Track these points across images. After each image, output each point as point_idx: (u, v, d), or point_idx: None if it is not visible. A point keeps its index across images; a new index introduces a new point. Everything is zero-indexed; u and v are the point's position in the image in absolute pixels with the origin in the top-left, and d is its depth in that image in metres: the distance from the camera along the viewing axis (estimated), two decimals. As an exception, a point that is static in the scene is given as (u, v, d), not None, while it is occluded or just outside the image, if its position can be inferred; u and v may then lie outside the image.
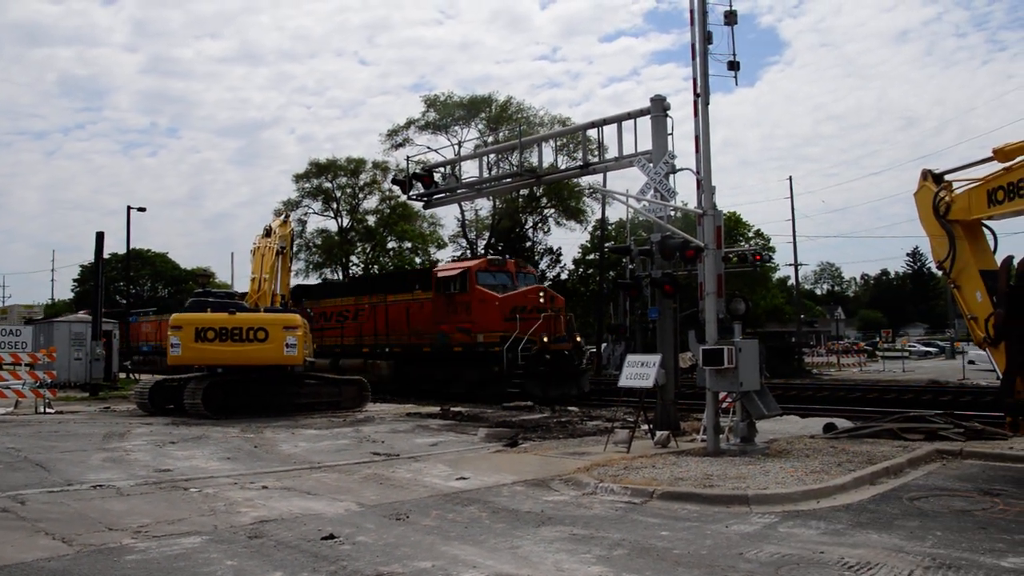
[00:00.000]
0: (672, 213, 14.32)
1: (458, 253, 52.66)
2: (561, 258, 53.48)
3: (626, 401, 18.89)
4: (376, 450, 13.07)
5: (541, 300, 23.11)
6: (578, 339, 23.94)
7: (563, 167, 21.47)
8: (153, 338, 41.19)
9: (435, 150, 28.37)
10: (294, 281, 29.76)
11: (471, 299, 23.44)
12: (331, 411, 19.85)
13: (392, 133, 50.93)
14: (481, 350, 22.84)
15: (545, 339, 22.11)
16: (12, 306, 48.49)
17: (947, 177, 10.87)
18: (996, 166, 9.92)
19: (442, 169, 21.55)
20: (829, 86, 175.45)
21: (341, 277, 52.48)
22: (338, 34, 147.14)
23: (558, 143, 21.67)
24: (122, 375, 32.82)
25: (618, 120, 16.43)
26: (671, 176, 14.23)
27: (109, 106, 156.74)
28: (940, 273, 11.73)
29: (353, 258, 56.30)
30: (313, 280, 50.93)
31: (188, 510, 8.51)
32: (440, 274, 25.00)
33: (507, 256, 27.54)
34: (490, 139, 46.20)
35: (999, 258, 10.20)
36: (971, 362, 33.01)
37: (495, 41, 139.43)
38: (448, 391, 23.70)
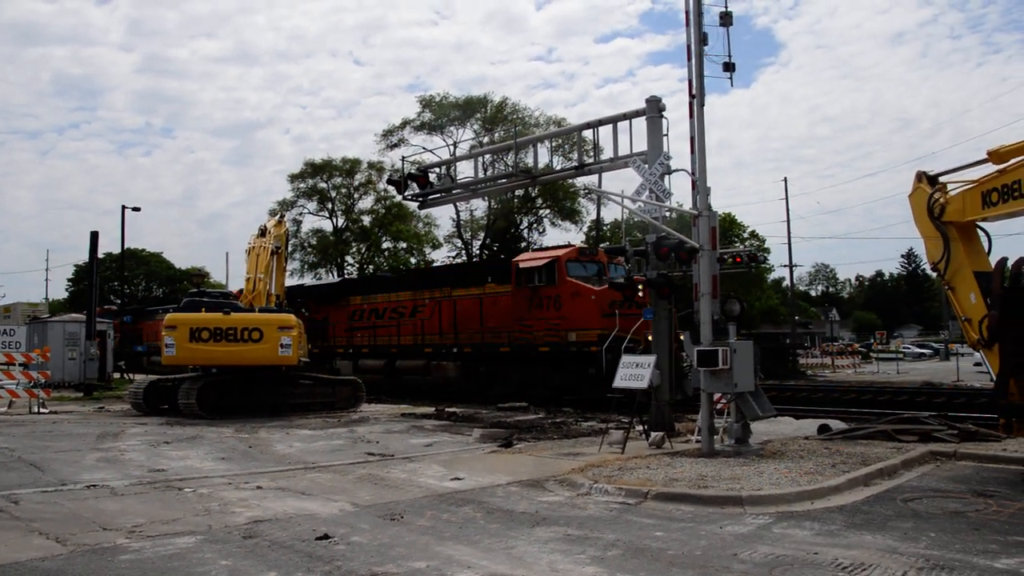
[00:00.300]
0: (667, 214, 14.33)
1: (453, 254, 52.72)
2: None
3: (621, 402, 18.83)
4: (371, 450, 13.05)
5: (640, 294, 20.22)
6: (681, 338, 21.76)
7: (558, 168, 21.52)
8: None
9: (431, 150, 28.38)
10: (289, 281, 29.60)
11: (561, 292, 21.01)
12: (326, 411, 19.82)
13: (387, 133, 51.03)
14: (574, 350, 20.34)
15: (650, 338, 19.43)
16: (15, 304, 48.04)
17: (942, 179, 10.92)
18: (990, 168, 9.98)
19: (437, 169, 21.57)
20: (824, 88, 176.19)
21: (336, 277, 52.40)
22: (333, 34, 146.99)
23: (553, 144, 21.71)
24: (116, 375, 32.74)
25: (613, 121, 16.44)
26: (666, 177, 14.27)
27: (104, 106, 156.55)
28: (935, 275, 11.79)
29: (348, 258, 56.32)
30: (309, 280, 50.85)
31: (182, 510, 8.49)
32: (522, 264, 22.36)
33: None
34: (485, 140, 46.27)
35: (993, 260, 10.25)
36: (977, 364, 31.20)
37: (490, 42, 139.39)
38: (529, 395, 21.44)
